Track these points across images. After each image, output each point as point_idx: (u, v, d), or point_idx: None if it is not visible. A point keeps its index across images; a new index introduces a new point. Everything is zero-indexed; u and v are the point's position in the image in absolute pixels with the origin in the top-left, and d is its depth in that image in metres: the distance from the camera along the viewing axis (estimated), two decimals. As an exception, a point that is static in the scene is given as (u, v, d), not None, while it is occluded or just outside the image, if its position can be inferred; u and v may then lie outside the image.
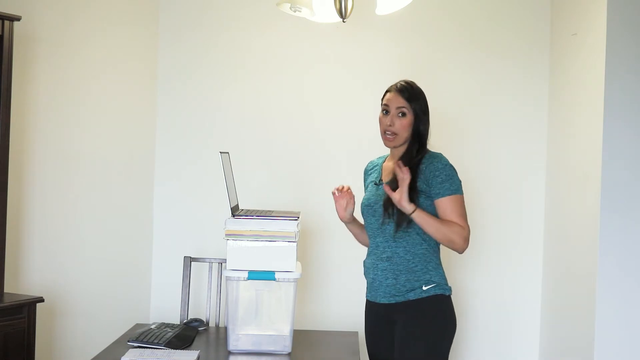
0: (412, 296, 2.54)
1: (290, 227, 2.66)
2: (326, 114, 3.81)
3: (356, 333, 3.00)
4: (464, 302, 3.72)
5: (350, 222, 2.78)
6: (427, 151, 2.64)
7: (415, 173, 2.55)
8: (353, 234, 2.85)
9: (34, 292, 3.06)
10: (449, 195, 2.52)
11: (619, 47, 2.92)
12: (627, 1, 2.92)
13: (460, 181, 2.58)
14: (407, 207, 2.47)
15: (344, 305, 3.72)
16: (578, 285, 3.17)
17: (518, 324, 3.74)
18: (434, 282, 2.55)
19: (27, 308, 2.76)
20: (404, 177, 2.46)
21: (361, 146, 3.73)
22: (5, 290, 2.85)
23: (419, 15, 3.69)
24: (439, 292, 2.56)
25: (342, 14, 2.78)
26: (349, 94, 3.79)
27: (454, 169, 2.58)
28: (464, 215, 2.54)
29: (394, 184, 2.53)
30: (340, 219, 2.76)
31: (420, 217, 2.49)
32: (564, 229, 3.43)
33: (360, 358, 2.69)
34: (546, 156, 3.71)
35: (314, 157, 3.81)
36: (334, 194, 2.72)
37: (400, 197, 2.46)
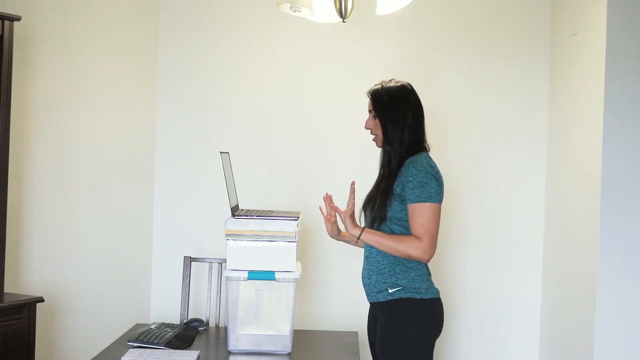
0: (380, 297, 2.55)
1: (290, 227, 2.67)
2: (326, 114, 3.81)
3: (356, 333, 3.00)
4: (463, 303, 3.72)
5: (339, 239, 2.76)
6: (417, 153, 2.57)
7: (394, 176, 2.54)
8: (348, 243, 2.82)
9: (34, 292, 3.06)
10: (417, 202, 2.46)
11: (619, 47, 2.92)
12: (627, 1, 2.92)
13: (437, 189, 2.49)
14: (352, 231, 2.54)
15: (344, 305, 3.72)
16: (578, 285, 3.17)
17: (518, 324, 3.74)
18: (399, 286, 2.51)
19: (27, 308, 2.76)
20: (349, 204, 2.55)
21: (361, 146, 3.72)
22: (5, 290, 2.85)
23: (419, 15, 3.69)
24: (404, 295, 2.50)
25: (342, 14, 2.79)
26: (349, 94, 3.78)
27: (432, 176, 2.49)
28: (426, 225, 2.45)
29: (382, 183, 2.58)
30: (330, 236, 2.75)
31: (368, 238, 2.52)
32: (564, 229, 3.43)
33: (360, 358, 2.69)
34: (546, 156, 3.70)
35: (314, 157, 3.81)
36: (321, 209, 2.69)
37: (345, 223, 2.54)
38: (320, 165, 3.81)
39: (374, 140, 2.66)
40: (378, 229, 2.53)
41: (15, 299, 2.76)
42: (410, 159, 2.54)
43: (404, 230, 2.52)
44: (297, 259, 2.72)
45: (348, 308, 3.68)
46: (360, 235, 2.53)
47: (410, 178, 2.48)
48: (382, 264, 2.54)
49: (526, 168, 3.74)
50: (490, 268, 3.76)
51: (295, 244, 2.67)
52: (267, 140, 3.83)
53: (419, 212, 2.46)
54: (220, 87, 3.86)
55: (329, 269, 3.79)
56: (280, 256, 2.66)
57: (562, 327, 3.39)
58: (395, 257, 2.52)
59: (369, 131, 2.68)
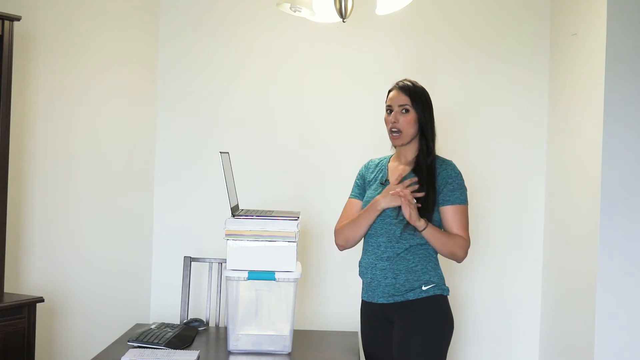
0: (411, 296, 2.55)
1: (290, 227, 2.66)
2: (326, 114, 3.81)
3: (356, 333, 3.00)
4: (464, 303, 3.72)
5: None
6: (436, 155, 2.66)
7: (433, 173, 2.58)
8: (363, 224, 2.66)
9: (34, 292, 3.06)
10: (458, 204, 2.57)
11: (619, 47, 2.92)
12: (627, 1, 2.92)
13: (467, 190, 2.64)
14: (418, 224, 2.49)
15: (344, 305, 3.71)
16: (578, 285, 3.17)
17: (518, 324, 3.74)
18: (433, 282, 2.57)
19: (27, 308, 2.76)
20: (406, 195, 2.43)
21: (361, 146, 3.73)
22: (5, 290, 2.85)
23: (418, 15, 3.69)
24: (437, 292, 2.58)
25: (342, 14, 2.79)
26: (349, 94, 3.79)
27: (463, 178, 2.64)
28: (467, 226, 2.60)
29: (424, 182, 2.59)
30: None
31: (430, 233, 2.52)
32: (564, 230, 3.43)
33: (360, 358, 2.69)
34: (546, 156, 3.70)
35: (314, 157, 3.81)
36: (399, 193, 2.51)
37: (410, 216, 2.47)
38: (321, 164, 3.81)
39: (395, 136, 2.64)
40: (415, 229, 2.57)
41: (15, 299, 2.76)
42: (439, 160, 2.64)
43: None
44: (297, 259, 2.72)
45: (348, 308, 3.66)
46: (424, 229, 2.51)
47: (449, 180, 2.58)
48: (413, 262, 2.57)
49: (526, 168, 3.74)
50: (490, 268, 3.75)
51: (295, 244, 2.67)
52: (267, 140, 3.83)
53: (460, 214, 2.58)
54: (220, 87, 3.86)
55: (329, 269, 3.79)
56: (280, 256, 2.66)
57: (562, 327, 3.39)
58: (426, 254, 2.59)
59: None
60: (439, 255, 2.66)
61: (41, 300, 2.84)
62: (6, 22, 2.76)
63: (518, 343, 3.74)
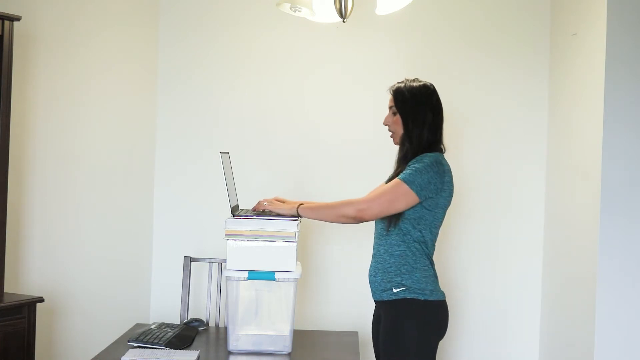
0: (385, 297, 2.54)
1: (290, 227, 2.66)
2: (326, 114, 3.81)
3: (356, 333, 3.00)
4: (464, 304, 3.72)
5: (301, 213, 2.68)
6: (431, 151, 2.56)
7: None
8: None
9: (34, 292, 3.06)
10: (399, 178, 2.46)
11: (619, 47, 2.92)
12: (627, 1, 2.92)
13: (427, 184, 2.44)
14: (289, 212, 2.65)
15: (344, 305, 3.72)
16: (578, 285, 3.17)
17: (518, 325, 3.74)
18: (404, 286, 2.50)
19: (27, 308, 2.76)
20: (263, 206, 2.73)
21: (361, 146, 3.73)
22: (5, 290, 2.85)
23: (418, 15, 3.69)
24: (409, 296, 2.49)
25: (342, 14, 2.79)
26: (349, 94, 3.79)
27: (435, 172, 2.46)
28: (384, 194, 2.45)
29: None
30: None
31: (306, 211, 2.61)
32: (564, 229, 3.43)
33: (360, 358, 2.69)
34: (546, 156, 3.70)
35: (314, 157, 3.81)
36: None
37: (276, 209, 2.68)
38: (321, 164, 3.81)
39: (391, 137, 2.64)
40: (394, 226, 2.51)
41: (15, 299, 2.76)
42: (420, 155, 2.53)
43: (411, 229, 2.50)
44: (297, 259, 2.72)
45: (348, 308, 3.68)
46: (298, 212, 2.61)
47: (410, 164, 2.49)
48: (389, 263, 2.54)
49: (526, 168, 3.74)
50: (490, 268, 3.76)
51: (295, 244, 2.67)
52: (267, 140, 3.83)
53: (391, 185, 2.47)
54: (220, 87, 3.86)
55: (329, 269, 3.79)
56: (280, 256, 2.66)
57: (562, 327, 3.39)
58: (402, 256, 2.51)
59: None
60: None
61: (41, 300, 2.84)
62: (6, 22, 2.76)
63: (518, 343, 3.74)
